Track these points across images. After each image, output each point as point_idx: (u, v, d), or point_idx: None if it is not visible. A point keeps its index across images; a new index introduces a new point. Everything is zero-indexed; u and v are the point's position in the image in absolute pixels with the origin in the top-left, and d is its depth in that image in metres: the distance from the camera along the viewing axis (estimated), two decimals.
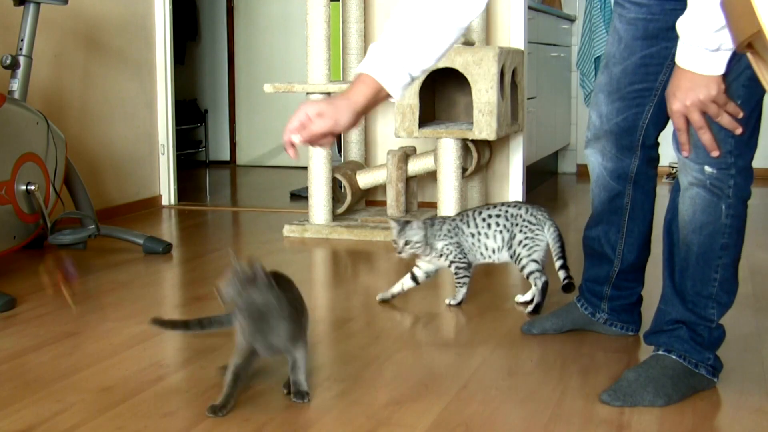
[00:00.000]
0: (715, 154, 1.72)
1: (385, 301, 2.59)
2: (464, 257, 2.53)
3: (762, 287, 2.78)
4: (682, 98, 1.66)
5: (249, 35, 6.59)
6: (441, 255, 2.53)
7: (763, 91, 1.71)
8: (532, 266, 2.51)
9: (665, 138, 2.10)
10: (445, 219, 2.56)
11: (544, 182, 5.55)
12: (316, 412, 1.78)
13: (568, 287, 2.47)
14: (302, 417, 1.76)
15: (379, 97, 1.71)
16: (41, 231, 3.06)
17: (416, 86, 3.55)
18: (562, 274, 2.50)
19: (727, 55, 1.61)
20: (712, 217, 1.79)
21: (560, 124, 5.65)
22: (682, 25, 1.62)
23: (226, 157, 6.78)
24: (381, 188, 4.19)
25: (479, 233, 2.53)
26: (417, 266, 2.60)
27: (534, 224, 2.51)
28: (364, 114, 1.72)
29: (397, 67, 1.70)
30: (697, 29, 1.59)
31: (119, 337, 2.30)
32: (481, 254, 2.55)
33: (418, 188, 4.02)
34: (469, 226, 2.54)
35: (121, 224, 3.84)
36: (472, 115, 3.53)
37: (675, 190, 1.88)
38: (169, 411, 1.79)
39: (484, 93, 3.49)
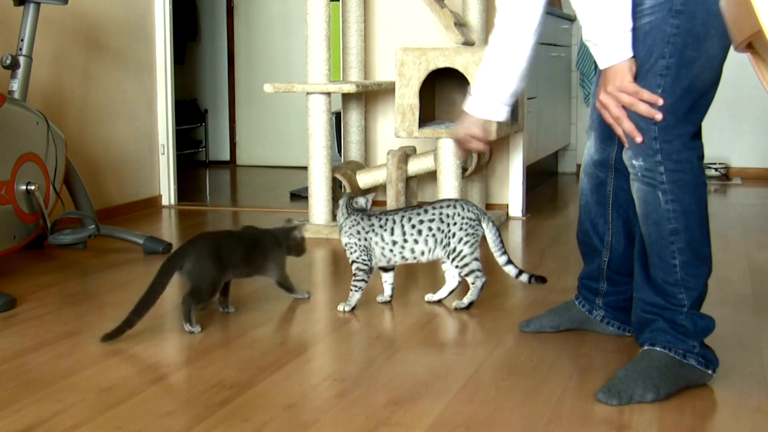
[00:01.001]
0: (638, 139, 1.81)
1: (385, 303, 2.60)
2: (368, 260, 2.49)
3: (762, 287, 2.78)
4: (597, 94, 1.85)
5: (249, 35, 6.59)
6: (345, 247, 2.51)
7: (698, 78, 1.81)
8: (475, 265, 2.51)
9: None
10: (370, 216, 2.49)
11: (544, 182, 5.55)
12: (316, 412, 1.78)
13: (540, 279, 2.49)
14: (302, 417, 1.76)
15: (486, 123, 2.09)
16: (41, 231, 3.06)
17: (416, 86, 3.55)
18: (512, 270, 2.51)
19: (621, 40, 1.76)
20: (652, 206, 1.86)
21: (560, 124, 5.65)
22: (582, 35, 1.82)
23: (226, 157, 6.78)
24: (381, 188, 4.19)
25: (405, 240, 2.48)
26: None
27: (474, 220, 2.50)
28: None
29: (490, 102, 2.05)
30: (586, 30, 1.78)
31: (119, 337, 2.30)
32: (404, 257, 2.50)
33: (418, 188, 4.02)
34: (393, 233, 2.47)
35: (121, 224, 3.84)
36: None
37: None
38: (169, 411, 1.79)
39: None
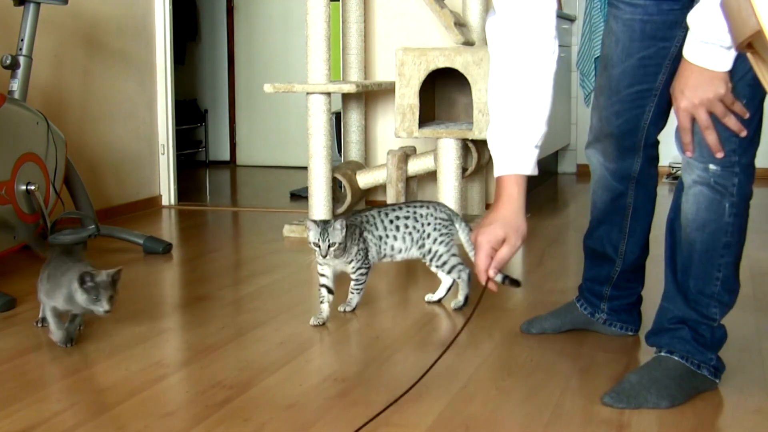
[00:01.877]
0: (720, 155, 1.72)
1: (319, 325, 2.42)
2: (369, 264, 2.47)
3: (762, 287, 2.78)
4: (690, 96, 1.64)
5: (249, 35, 6.59)
6: (351, 260, 2.42)
7: (764, 90, 1.71)
8: (454, 260, 2.51)
9: (663, 136, 2.10)
10: (353, 220, 2.45)
11: (544, 182, 5.55)
12: (316, 412, 1.78)
13: (514, 282, 2.42)
14: (302, 417, 1.76)
15: (523, 183, 1.83)
16: (41, 231, 3.06)
17: (416, 86, 3.55)
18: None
19: (734, 51, 1.59)
20: (715, 215, 1.79)
21: (560, 124, 5.65)
22: (694, 18, 1.59)
23: (226, 157, 6.78)
24: (381, 188, 4.19)
25: (386, 235, 2.48)
26: (324, 276, 2.42)
27: (447, 221, 2.50)
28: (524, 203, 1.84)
29: (528, 152, 1.80)
30: (710, 24, 1.56)
31: (119, 337, 2.30)
32: (384, 255, 2.50)
33: (418, 188, 4.02)
34: (377, 228, 2.48)
35: (121, 224, 3.84)
36: (472, 115, 3.53)
37: (678, 189, 1.88)
38: (169, 411, 1.79)
39: (484, 93, 3.49)
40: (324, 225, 2.33)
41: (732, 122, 1.67)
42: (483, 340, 2.26)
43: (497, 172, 1.83)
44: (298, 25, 6.19)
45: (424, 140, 4.02)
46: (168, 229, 4.04)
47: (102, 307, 2.09)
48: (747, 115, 1.68)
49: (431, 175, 3.95)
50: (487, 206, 4.19)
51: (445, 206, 2.55)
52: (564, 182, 5.70)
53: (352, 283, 2.49)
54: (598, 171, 2.14)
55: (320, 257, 2.36)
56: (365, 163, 4.19)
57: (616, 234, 2.15)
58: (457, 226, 2.53)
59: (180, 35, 6.23)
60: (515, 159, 1.80)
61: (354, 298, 2.50)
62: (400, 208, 2.51)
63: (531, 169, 1.81)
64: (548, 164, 5.74)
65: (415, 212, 2.50)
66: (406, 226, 2.49)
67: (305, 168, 3.79)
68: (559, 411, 1.78)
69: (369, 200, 4.29)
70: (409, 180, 3.83)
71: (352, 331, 2.38)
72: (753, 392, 1.88)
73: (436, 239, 2.50)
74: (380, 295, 2.62)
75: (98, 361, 2.10)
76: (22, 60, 3.13)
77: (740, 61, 1.63)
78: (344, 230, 2.34)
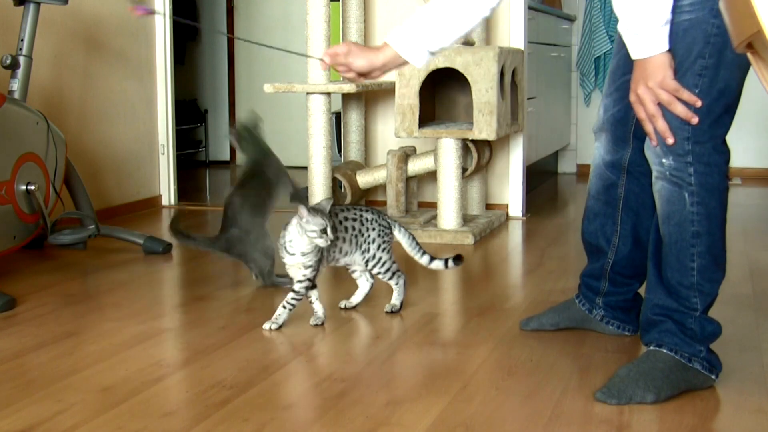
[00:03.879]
0: (670, 141, 1.78)
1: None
2: (316, 271, 2.37)
3: (762, 287, 2.78)
4: (635, 88, 1.78)
5: (249, 35, 6.59)
6: (309, 263, 2.34)
7: (733, 80, 1.79)
8: (394, 267, 2.49)
9: None
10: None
11: (544, 182, 5.55)
12: (316, 412, 1.78)
13: (457, 259, 2.50)
14: (302, 417, 1.76)
15: (399, 62, 1.94)
16: (41, 231, 3.06)
17: (416, 86, 3.55)
18: (439, 264, 2.49)
19: (659, 32, 1.72)
20: (676, 206, 1.83)
21: (560, 124, 5.65)
22: (618, 25, 1.77)
23: (226, 157, 6.78)
24: (381, 188, 4.19)
25: (337, 237, 2.39)
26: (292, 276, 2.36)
27: (387, 228, 2.48)
28: (382, 70, 1.96)
29: (417, 42, 1.91)
30: (623, 20, 1.75)
31: (119, 337, 2.30)
32: (331, 258, 2.41)
33: (418, 188, 4.02)
34: (335, 230, 2.37)
35: (121, 224, 3.84)
36: (472, 115, 3.53)
37: None
38: (169, 411, 1.79)
39: (484, 93, 3.49)
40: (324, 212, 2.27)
41: (679, 109, 1.75)
42: (483, 340, 2.26)
43: (386, 38, 1.96)
44: (298, 25, 6.19)
45: (424, 140, 4.02)
46: (168, 229, 4.04)
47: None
48: (699, 104, 1.75)
49: (431, 175, 3.95)
50: (487, 206, 4.19)
51: (385, 214, 2.50)
52: (564, 182, 5.70)
53: (291, 295, 2.36)
54: (596, 161, 2.17)
55: (288, 256, 2.31)
56: (365, 163, 4.19)
57: (610, 226, 2.17)
58: (396, 233, 2.48)
59: (180, 35, 6.23)
60: (410, 46, 1.92)
61: (283, 316, 2.37)
62: (348, 209, 2.44)
63: (415, 61, 1.92)
64: (548, 164, 5.74)
65: (361, 216, 2.44)
66: (353, 228, 2.42)
67: (305, 168, 3.79)
68: (559, 411, 1.78)
69: (369, 200, 4.29)
70: (409, 180, 3.83)
71: (352, 331, 2.38)
72: (753, 392, 1.88)
73: (380, 246, 2.45)
74: (380, 295, 2.62)
75: (98, 361, 2.10)
76: (22, 60, 3.13)
77: (684, 51, 1.74)
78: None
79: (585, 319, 2.27)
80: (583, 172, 6.00)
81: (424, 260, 2.50)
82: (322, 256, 2.36)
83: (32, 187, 2.95)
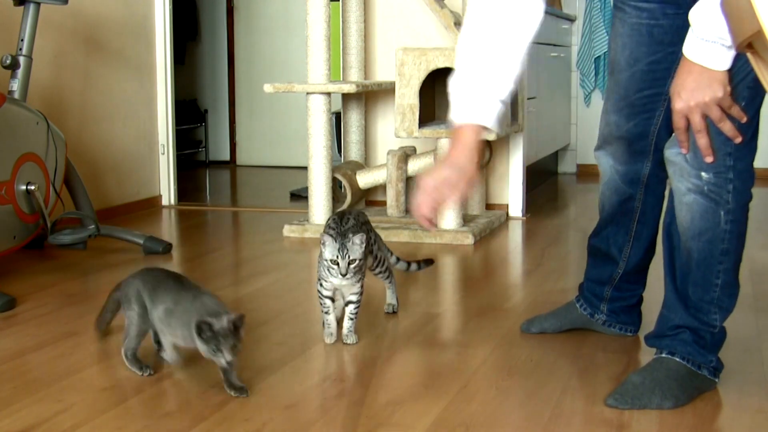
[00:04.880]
0: (710, 159, 1.68)
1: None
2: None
3: (762, 287, 2.78)
4: (687, 98, 1.61)
5: (249, 35, 6.59)
6: (360, 280, 2.21)
7: (764, 92, 1.70)
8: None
9: None
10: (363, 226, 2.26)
11: (544, 182, 5.55)
12: (316, 412, 1.78)
13: (427, 262, 2.51)
14: (302, 417, 1.76)
15: (481, 133, 1.74)
16: (41, 231, 3.06)
17: (416, 86, 3.55)
18: (402, 265, 2.48)
19: (734, 50, 1.56)
20: (711, 223, 1.76)
21: (560, 124, 5.64)
22: (695, 15, 1.55)
23: (226, 157, 6.78)
24: (381, 188, 4.19)
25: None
26: (329, 294, 2.21)
27: (369, 223, 2.39)
28: (474, 151, 1.74)
29: (493, 104, 1.71)
30: (711, 21, 1.53)
31: (119, 337, 2.29)
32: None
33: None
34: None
35: (121, 224, 3.83)
36: None
37: (672, 195, 1.86)
38: (169, 411, 1.79)
39: None
40: (342, 239, 2.12)
41: (728, 127, 1.62)
42: (483, 340, 2.26)
43: (458, 119, 1.73)
44: (298, 25, 6.19)
45: (424, 140, 4.02)
46: (168, 229, 4.04)
47: (224, 359, 1.81)
48: (745, 119, 1.64)
49: None
50: (487, 206, 4.19)
51: (359, 212, 2.38)
52: (564, 182, 5.70)
53: (351, 307, 2.22)
54: (607, 173, 2.12)
55: (333, 277, 2.14)
56: (365, 163, 4.19)
57: (623, 236, 2.14)
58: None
59: (180, 35, 6.23)
60: (479, 109, 1.72)
61: (352, 326, 2.24)
62: (350, 213, 2.30)
63: (492, 122, 1.72)
64: (548, 164, 5.74)
65: (357, 219, 2.27)
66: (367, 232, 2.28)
67: (305, 168, 3.79)
68: (559, 411, 1.78)
69: (369, 200, 4.30)
70: (409, 180, 3.83)
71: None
72: (753, 392, 1.88)
73: (380, 246, 2.38)
74: (380, 295, 2.62)
75: (98, 361, 2.10)
76: (22, 60, 3.13)
77: (742, 62, 1.60)
78: (364, 245, 2.13)
79: (587, 322, 2.27)
80: (583, 172, 6.00)
81: (391, 261, 2.47)
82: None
83: (32, 187, 2.95)
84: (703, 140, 1.64)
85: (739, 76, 1.64)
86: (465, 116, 1.72)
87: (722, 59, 1.57)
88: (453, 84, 1.74)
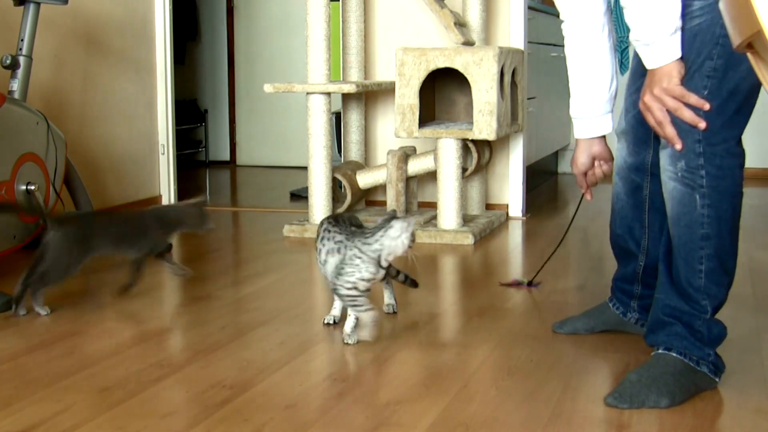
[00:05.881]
0: (678, 147, 1.78)
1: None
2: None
3: (762, 287, 2.78)
4: (642, 96, 1.80)
5: (249, 35, 6.59)
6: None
7: (745, 80, 1.77)
8: None
9: None
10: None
11: (544, 182, 5.55)
12: (316, 412, 1.78)
13: (412, 283, 2.51)
14: (302, 417, 1.76)
15: (602, 139, 2.09)
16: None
17: (416, 86, 3.55)
18: (397, 272, 2.47)
19: (670, 41, 1.73)
20: (687, 208, 1.83)
21: (560, 124, 5.64)
22: (630, 36, 1.80)
23: (226, 157, 6.78)
24: (381, 188, 4.19)
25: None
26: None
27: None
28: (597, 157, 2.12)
29: (604, 114, 2.05)
30: (635, 31, 1.76)
31: (119, 337, 2.30)
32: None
33: (418, 188, 4.02)
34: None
35: None
36: (472, 115, 3.53)
37: None
38: (169, 411, 1.79)
39: (484, 93, 3.49)
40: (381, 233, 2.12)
41: (686, 114, 1.75)
42: (483, 340, 2.26)
43: (582, 135, 2.10)
44: (298, 25, 6.19)
45: (424, 140, 4.02)
46: None
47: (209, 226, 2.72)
48: (707, 107, 1.74)
49: (431, 175, 3.95)
50: (487, 206, 4.20)
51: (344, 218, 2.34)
52: (564, 182, 5.70)
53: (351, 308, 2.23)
54: (619, 162, 2.17)
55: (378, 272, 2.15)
56: (365, 163, 4.19)
57: (638, 229, 2.16)
58: None
59: (180, 35, 6.23)
60: (600, 125, 2.06)
61: (354, 326, 2.25)
62: (342, 217, 2.29)
63: (611, 127, 2.06)
64: (548, 164, 5.74)
65: (352, 219, 2.30)
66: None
67: (305, 168, 3.79)
68: (559, 411, 1.78)
69: (369, 200, 4.30)
70: (409, 180, 3.83)
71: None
72: (753, 392, 1.88)
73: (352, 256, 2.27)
74: (380, 295, 2.62)
75: (98, 361, 2.10)
76: (22, 60, 3.13)
77: (694, 54, 1.74)
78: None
79: (619, 322, 2.26)
80: None
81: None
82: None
83: (32, 187, 2.95)
84: (666, 130, 1.78)
85: (693, 67, 1.75)
86: (589, 133, 2.08)
87: (659, 57, 1.75)
88: (573, 109, 2.11)
